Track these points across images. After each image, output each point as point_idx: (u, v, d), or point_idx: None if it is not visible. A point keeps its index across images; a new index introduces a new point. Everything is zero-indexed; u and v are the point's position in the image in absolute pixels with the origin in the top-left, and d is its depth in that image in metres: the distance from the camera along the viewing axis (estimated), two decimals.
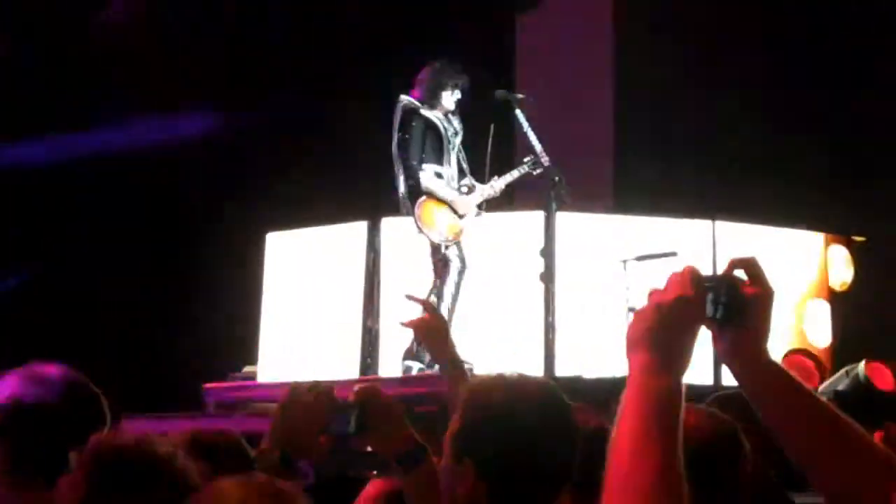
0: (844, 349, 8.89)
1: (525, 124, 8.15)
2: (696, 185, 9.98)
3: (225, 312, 10.38)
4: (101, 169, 11.28)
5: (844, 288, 9.35)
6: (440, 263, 8.23)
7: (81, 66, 11.27)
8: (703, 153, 10.39)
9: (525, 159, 8.25)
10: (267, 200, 10.66)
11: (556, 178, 8.00)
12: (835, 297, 9.28)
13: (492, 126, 8.35)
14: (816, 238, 9.43)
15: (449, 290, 8.21)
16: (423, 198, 8.18)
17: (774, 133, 10.25)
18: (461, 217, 8.25)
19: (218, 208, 11.12)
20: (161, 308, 11.15)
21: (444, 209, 8.21)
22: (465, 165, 8.41)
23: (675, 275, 1.72)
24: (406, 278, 8.68)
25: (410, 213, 8.21)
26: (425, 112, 8.27)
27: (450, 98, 8.34)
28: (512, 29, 11.53)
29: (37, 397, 2.75)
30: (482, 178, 8.40)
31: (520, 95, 8.45)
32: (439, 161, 8.29)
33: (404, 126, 8.26)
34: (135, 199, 11.39)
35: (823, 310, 9.21)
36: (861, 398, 7.38)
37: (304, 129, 11.25)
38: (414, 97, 8.30)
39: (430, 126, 8.27)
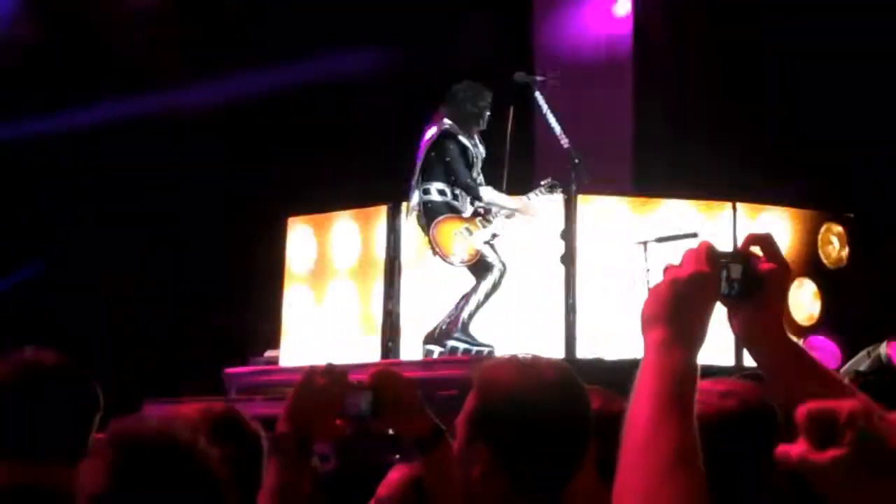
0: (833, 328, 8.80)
1: (544, 107, 8.12)
2: (717, 168, 9.93)
3: (246, 297, 10.40)
4: (120, 149, 11.27)
5: (837, 265, 9.19)
6: (480, 267, 8.21)
7: (85, 42, 11.26)
8: (723, 134, 10.33)
9: (542, 182, 8.28)
10: (288, 185, 10.66)
11: (576, 161, 7.98)
12: (824, 276, 9.10)
13: (511, 109, 8.32)
14: (801, 215, 9.28)
15: (485, 288, 8.20)
16: (440, 218, 8.16)
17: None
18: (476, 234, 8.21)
19: (240, 193, 11.13)
20: (182, 293, 11.17)
21: (460, 230, 8.17)
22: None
23: (690, 251, 1.71)
24: (426, 262, 8.67)
25: (425, 232, 8.21)
26: (461, 137, 8.27)
27: (485, 119, 8.35)
28: (530, 7, 11.48)
29: (26, 376, 2.78)
30: (501, 170, 8.36)
31: (539, 77, 8.41)
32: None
33: (440, 148, 8.26)
34: (154, 181, 11.39)
35: (809, 288, 9.05)
36: (882, 378, 7.33)
37: (323, 112, 11.24)
38: (450, 120, 8.28)
39: (463, 150, 8.29)
